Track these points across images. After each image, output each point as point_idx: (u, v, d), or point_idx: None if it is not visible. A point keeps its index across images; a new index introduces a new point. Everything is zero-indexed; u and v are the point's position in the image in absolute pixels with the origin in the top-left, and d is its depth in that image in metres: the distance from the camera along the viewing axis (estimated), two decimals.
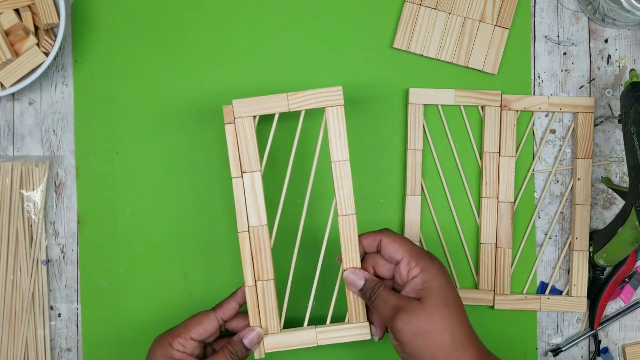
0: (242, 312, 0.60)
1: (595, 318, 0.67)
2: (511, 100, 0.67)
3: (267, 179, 0.62)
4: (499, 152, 0.67)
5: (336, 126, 0.58)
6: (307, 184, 0.60)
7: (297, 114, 0.59)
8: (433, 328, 0.51)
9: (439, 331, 0.51)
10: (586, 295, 0.67)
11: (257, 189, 0.58)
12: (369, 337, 0.59)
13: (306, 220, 0.60)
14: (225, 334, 0.61)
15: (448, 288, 0.54)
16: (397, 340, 0.53)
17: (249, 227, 0.58)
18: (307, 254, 0.63)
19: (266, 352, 0.59)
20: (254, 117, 0.58)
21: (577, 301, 0.67)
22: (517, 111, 0.67)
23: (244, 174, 0.58)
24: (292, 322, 0.62)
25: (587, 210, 0.67)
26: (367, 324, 0.59)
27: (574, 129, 0.68)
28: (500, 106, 0.67)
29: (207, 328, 0.58)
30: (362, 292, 0.56)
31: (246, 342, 0.57)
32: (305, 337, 0.59)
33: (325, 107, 0.58)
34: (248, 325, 0.59)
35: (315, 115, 0.62)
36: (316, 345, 0.59)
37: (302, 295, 0.62)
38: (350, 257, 0.58)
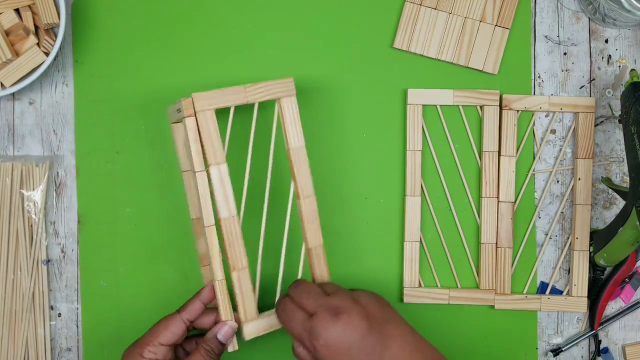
0: (209, 308, 0.60)
1: (595, 318, 0.67)
2: (512, 100, 0.67)
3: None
4: (499, 152, 0.67)
5: (291, 115, 0.60)
6: (266, 173, 0.61)
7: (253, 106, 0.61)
8: None
9: None
10: (586, 295, 0.67)
11: (224, 180, 0.58)
12: None
13: (268, 207, 0.61)
14: (194, 333, 0.60)
15: None
16: None
17: (216, 220, 0.58)
18: (272, 239, 0.64)
19: (247, 339, 0.59)
20: (214, 110, 0.58)
21: (578, 301, 0.67)
22: (518, 111, 0.67)
23: (209, 167, 0.58)
24: (261, 309, 0.61)
25: (587, 210, 0.67)
26: None
27: (574, 128, 0.68)
28: (500, 106, 0.67)
29: (174, 332, 0.57)
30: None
31: (220, 336, 0.57)
32: None
33: (280, 98, 0.60)
34: (217, 321, 0.59)
35: (270, 106, 0.63)
36: None
37: (270, 280, 0.64)
38: (313, 236, 0.61)
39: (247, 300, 0.58)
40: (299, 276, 0.62)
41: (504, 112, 0.67)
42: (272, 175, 0.61)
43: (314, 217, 0.61)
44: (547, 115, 0.68)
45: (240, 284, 0.58)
